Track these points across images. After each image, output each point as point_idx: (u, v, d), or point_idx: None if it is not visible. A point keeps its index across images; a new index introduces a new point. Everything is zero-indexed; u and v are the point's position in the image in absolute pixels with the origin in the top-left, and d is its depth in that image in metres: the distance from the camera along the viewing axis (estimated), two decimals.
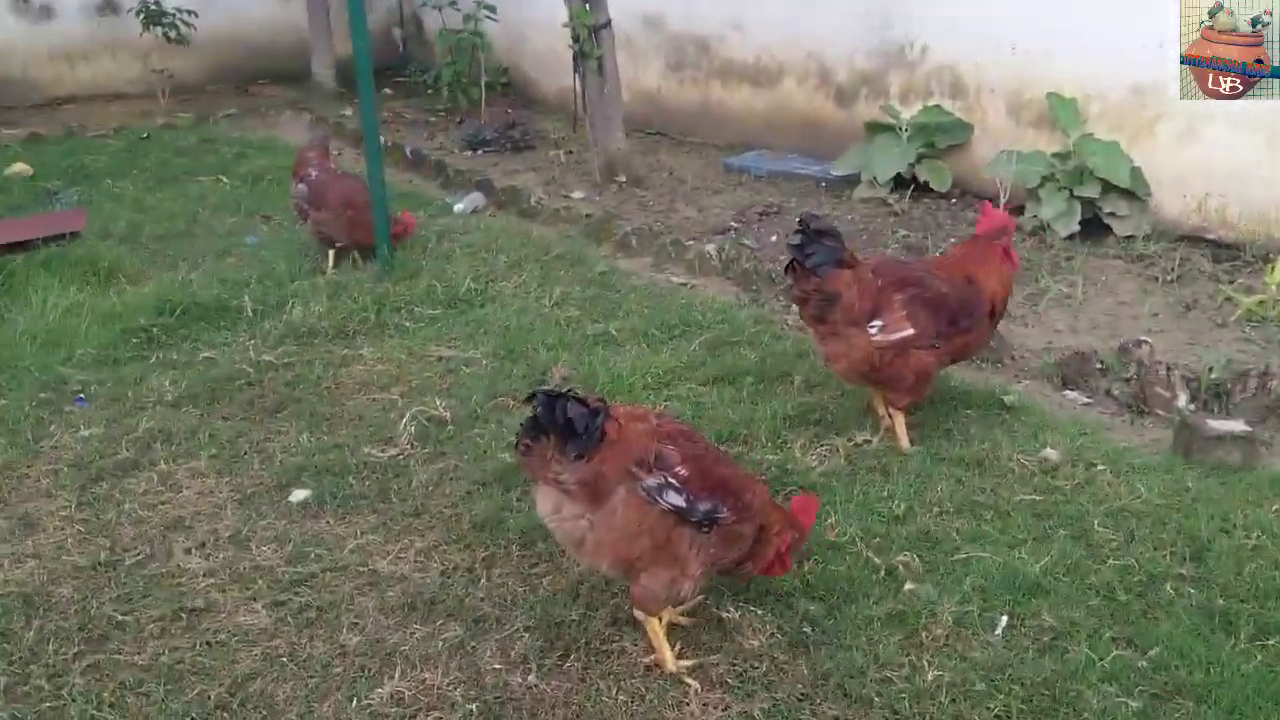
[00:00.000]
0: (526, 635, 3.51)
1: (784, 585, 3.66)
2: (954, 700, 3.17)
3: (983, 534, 3.93)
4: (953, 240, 7.02)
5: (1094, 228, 7.15)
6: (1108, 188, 7.11)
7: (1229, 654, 3.29)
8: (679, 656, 3.39)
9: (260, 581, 3.81)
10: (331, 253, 6.79)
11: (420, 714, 3.21)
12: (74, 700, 3.25)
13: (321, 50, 12.53)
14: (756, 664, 3.36)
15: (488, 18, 11.28)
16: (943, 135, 8.18)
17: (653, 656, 3.38)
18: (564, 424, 3.12)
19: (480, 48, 11.26)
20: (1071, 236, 7.08)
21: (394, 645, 3.48)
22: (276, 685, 3.32)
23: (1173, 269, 6.47)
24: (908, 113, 8.34)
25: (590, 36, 8.30)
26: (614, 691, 3.28)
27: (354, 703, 3.25)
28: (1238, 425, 4.41)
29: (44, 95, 12.15)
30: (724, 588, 3.63)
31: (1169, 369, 4.84)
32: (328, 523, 4.17)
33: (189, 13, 11.55)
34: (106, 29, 12.32)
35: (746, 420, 4.72)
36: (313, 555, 3.96)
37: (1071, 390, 5.08)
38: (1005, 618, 3.50)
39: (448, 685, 3.31)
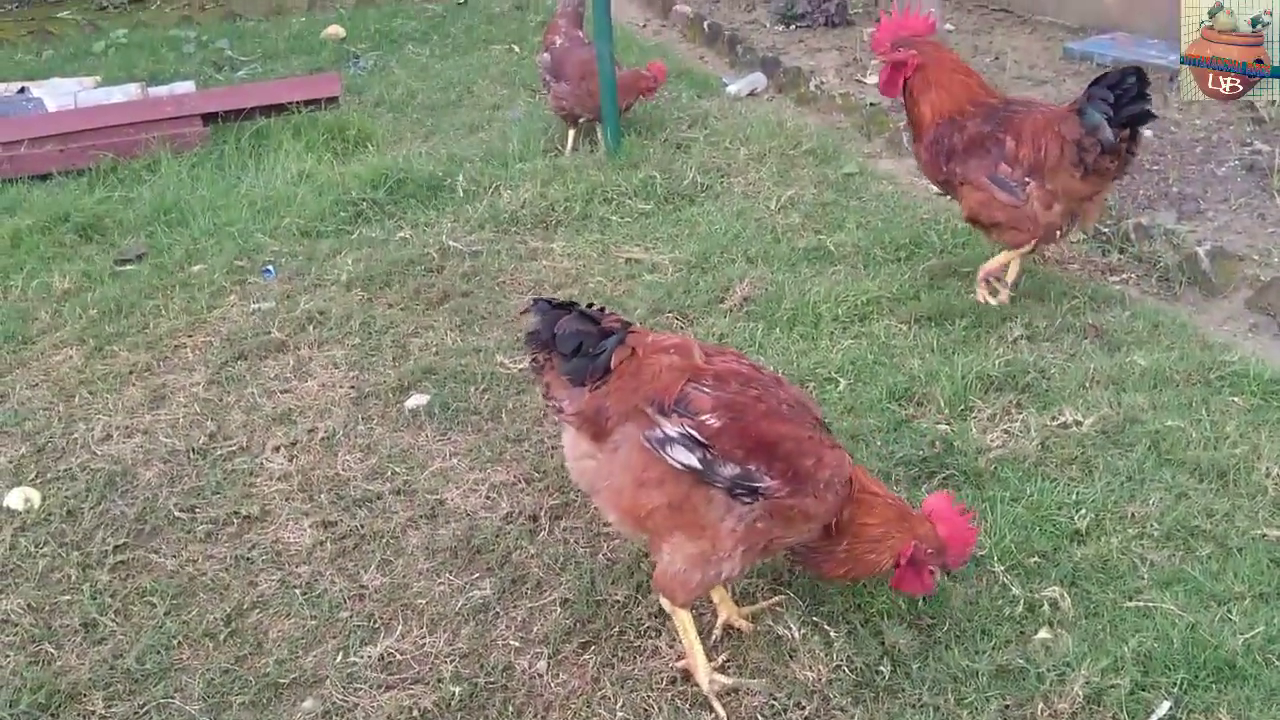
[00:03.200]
0: (559, 610, 3.00)
1: (876, 604, 2.88)
2: None
3: (1183, 576, 2.90)
4: None
5: None
6: None
7: None
8: (720, 669, 2.75)
9: (325, 495, 3.53)
10: (571, 133, 6.36)
11: (399, 686, 2.79)
12: (89, 598, 3.13)
13: None
14: (803, 703, 2.64)
15: None
16: None
17: (684, 661, 2.76)
18: (566, 342, 2.61)
19: None
20: None
21: (413, 595, 3.09)
22: (274, 621, 3.04)
23: None
24: None
25: None
26: (619, 702, 2.69)
27: (340, 657, 2.89)
28: None
29: None
30: (808, 593, 2.92)
31: None
32: (427, 436, 3.83)
33: None
34: None
35: (931, 375, 3.83)
36: (390, 472, 3.63)
37: None
38: (1167, 704, 2.54)
39: (446, 656, 2.88)
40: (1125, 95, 3.89)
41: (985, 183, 4.08)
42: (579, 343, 2.61)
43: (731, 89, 7.46)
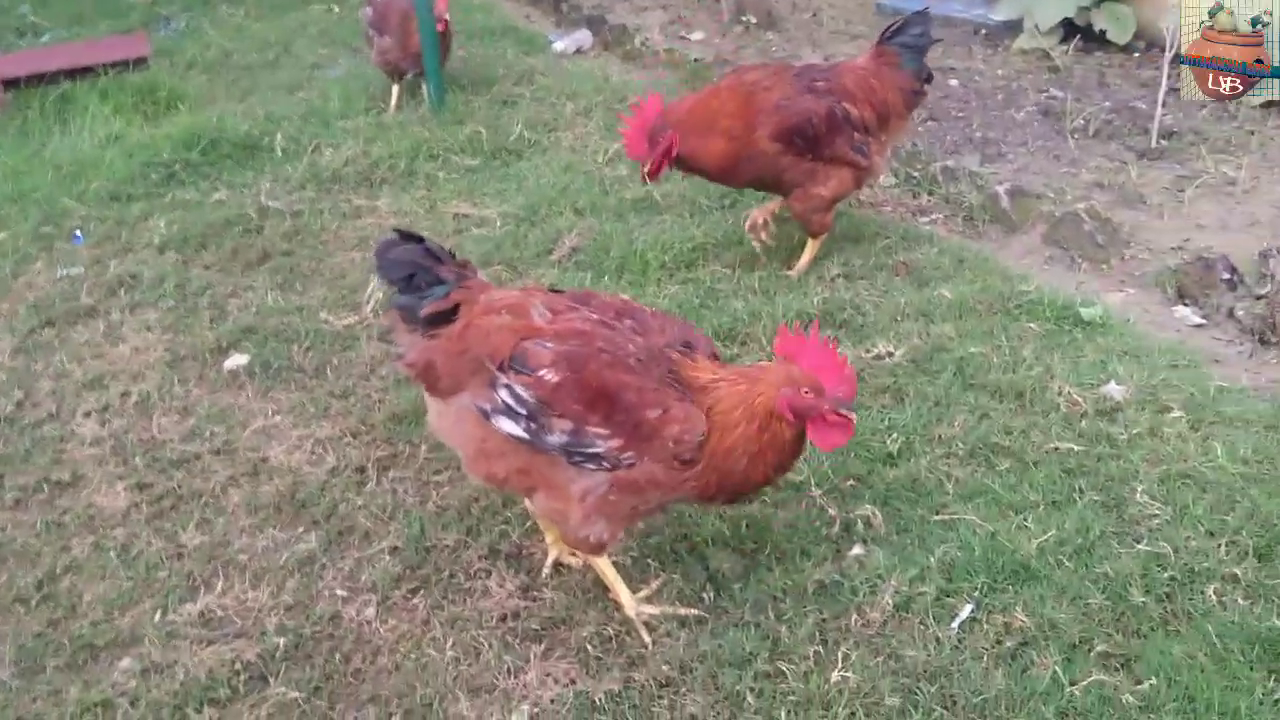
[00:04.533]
0: (387, 558, 2.98)
1: (702, 531, 2.96)
2: (851, 715, 2.43)
3: (984, 489, 3.07)
4: (1107, 104, 5.79)
5: None
6: None
7: (1252, 705, 2.38)
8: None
9: (140, 458, 3.42)
10: (395, 89, 6.23)
11: (219, 641, 2.73)
12: None
13: None
14: (629, 631, 2.70)
15: None
16: None
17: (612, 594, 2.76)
18: (394, 269, 2.61)
19: None
20: (1271, 105, 5.70)
21: (235, 552, 3.02)
22: (89, 584, 2.94)
23: None
24: None
25: None
26: (450, 642, 2.70)
27: (158, 616, 2.82)
28: None
29: None
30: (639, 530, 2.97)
31: None
32: (248, 395, 3.73)
33: None
34: None
35: (754, 314, 3.93)
36: (209, 433, 3.53)
37: (1186, 306, 4.01)
38: (969, 607, 2.69)
39: (269, 609, 2.83)
40: (925, 37, 4.08)
41: (852, 155, 4.06)
42: (410, 274, 2.58)
43: (558, 46, 7.43)
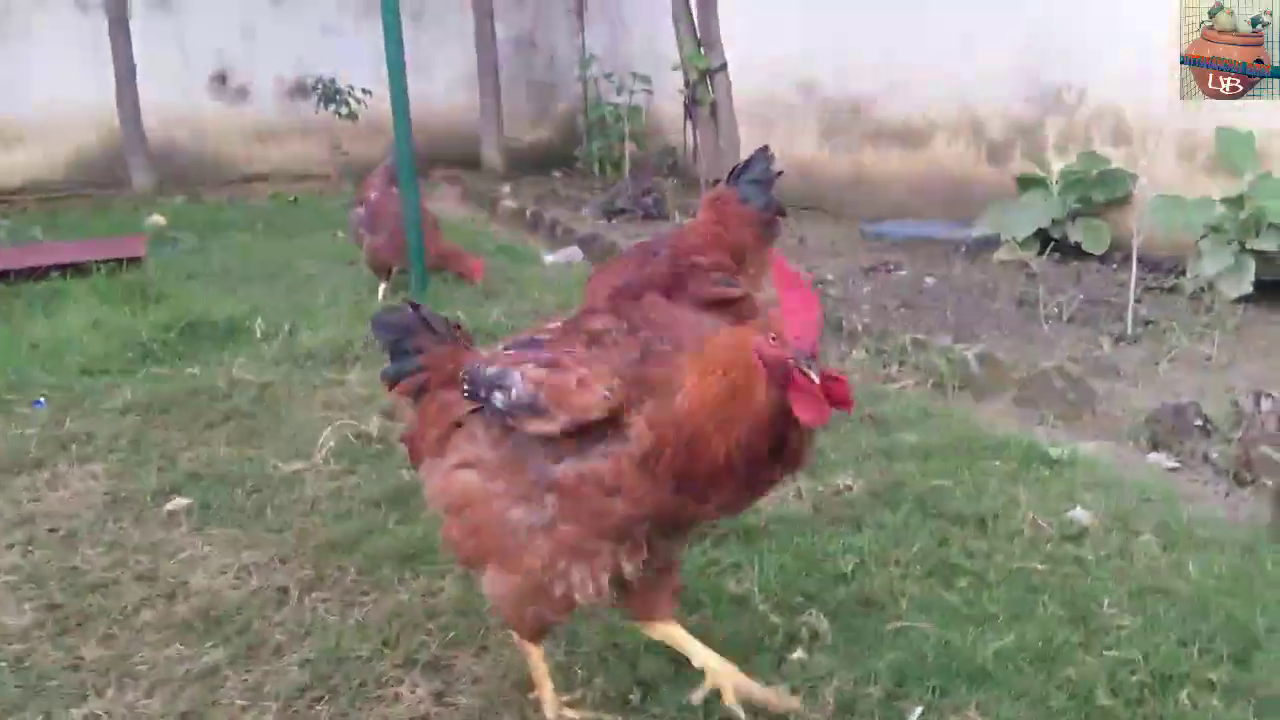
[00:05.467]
0: (296, 670, 2.76)
1: (634, 638, 2.75)
2: None
3: (940, 603, 2.87)
4: (1082, 297, 5.84)
5: (1275, 292, 5.80)
6: None
7: None
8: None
9: (55, 582, 3.24)
10: (383, 285, 6.39)
11: None
12: None
13: (489, 135, 12.50)
14: None
15: (643, 90, 11.01)
16: (1100, 188, 7.01)
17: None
18: (381, 332, 2.65)
19: (633, 121, 10.98)
20: (1244, 300, 5.75)
21: (136, 664, 2.81)
22: None
23: None
24: (1060, 163, 7.23)
25: (704, 80, 7.71)
26: None
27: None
28: None
29: (236, 173, 12.60)
30: (567, 637, 2.76)
31: None
32: (181, 532, 3.58)
33: (365, 91, 11.74)
34: (297, 111, 12.70)
35: None
36: (133, 561, 3.37)
37: (1160, 452, 3.88)
38: (919, 709, 2.44)
39: (160, 715, 2.59)
40: (766, 171, 3.81)
41: (716, 291, 3.85)
42: (395, 339, 2.55)
43: (549, 259, 7.66)
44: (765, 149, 3.93)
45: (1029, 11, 7.46)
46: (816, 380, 1.99)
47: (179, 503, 3.78)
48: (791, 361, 2.00)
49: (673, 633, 2.43)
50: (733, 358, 2.08)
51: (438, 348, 2.55)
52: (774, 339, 2.03)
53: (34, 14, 11.36)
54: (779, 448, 2.10)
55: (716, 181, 3.93)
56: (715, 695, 2.41)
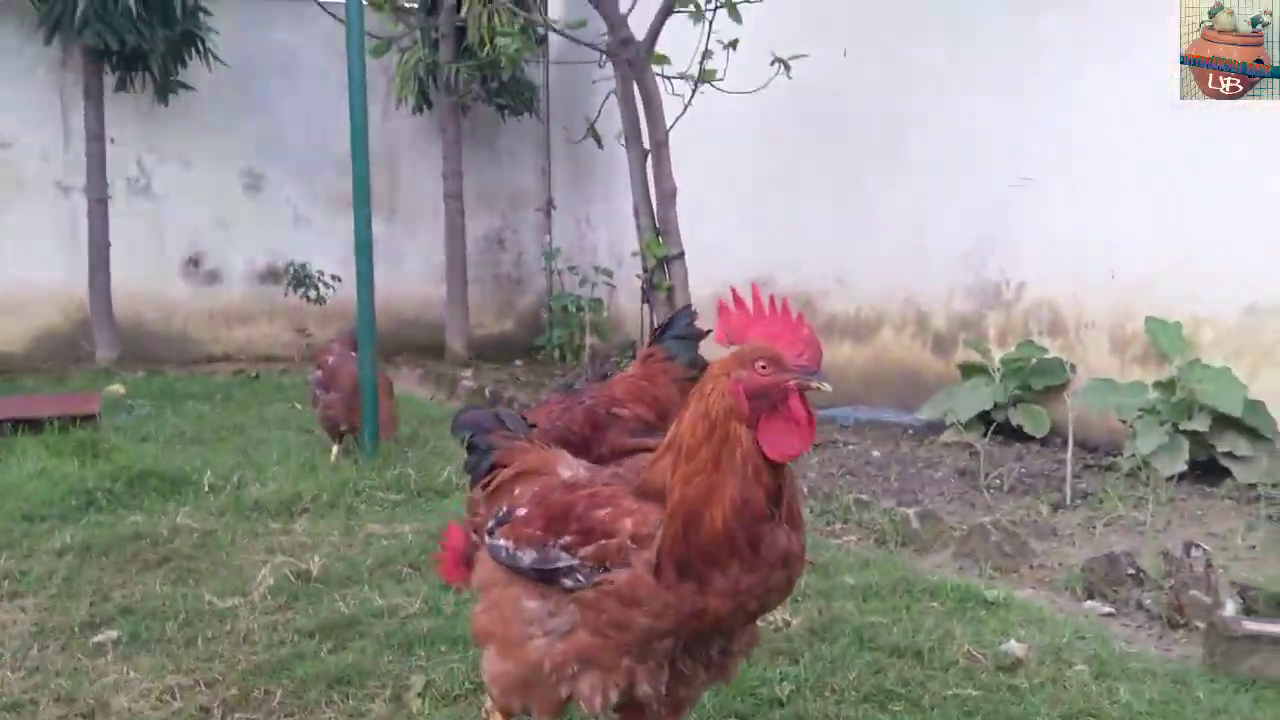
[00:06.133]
0: None
1: None
2: None
3: None
4: (1022, 469, 5.96)
5: (1210, 471, 5.94)
6: (1223, 422, 5.96)
7: None
8: None
9: None
10: (335, 448, 6.42)
11: None
12: None
13: (455, 325, 12.74)
14: None
15: (605, 283, 11.39)
16: (1039, 376, 7.24)
17: None
18: (460, 429, 2.67)
19: (594, 311, 11.29)
20: (1178, 478, 5.88)
21: None
22: None
23: None
24: (1001, 352, 7.49)
25: (661, 267, 8.01)
26: None
27: None
28: None
29: (202, 353, 12.73)
30: None
31: (1213, 570, 3.65)
32: (107, 660, 3.50)
33: (334, 277, 12.06)
34: (266, 295, 12.97)
35: None
36: (54, 685, 3.27)
37: (1094, 600, 3.91)
38: None
39: None
40: (691, 328, 3.85)
41: (635, 442, 3.87)
42: (470, 435, 2.57)
43: None
44: (688, 307, 4.05)
45: (971, 215, 7.88)
46: (830, 389, 1.98)
47: (107, 634, 3.70)
48: (791, 381, 1.97)
49: None
50: (726, 407, 2.01)
51: (510, 444, 2.56)
52: (764, 367, 1.98)
53: (14, 195, 11.68)
54: (775, 501, 2.02)
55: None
56: None
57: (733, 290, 2.09)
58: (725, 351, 2.09)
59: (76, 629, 3.74)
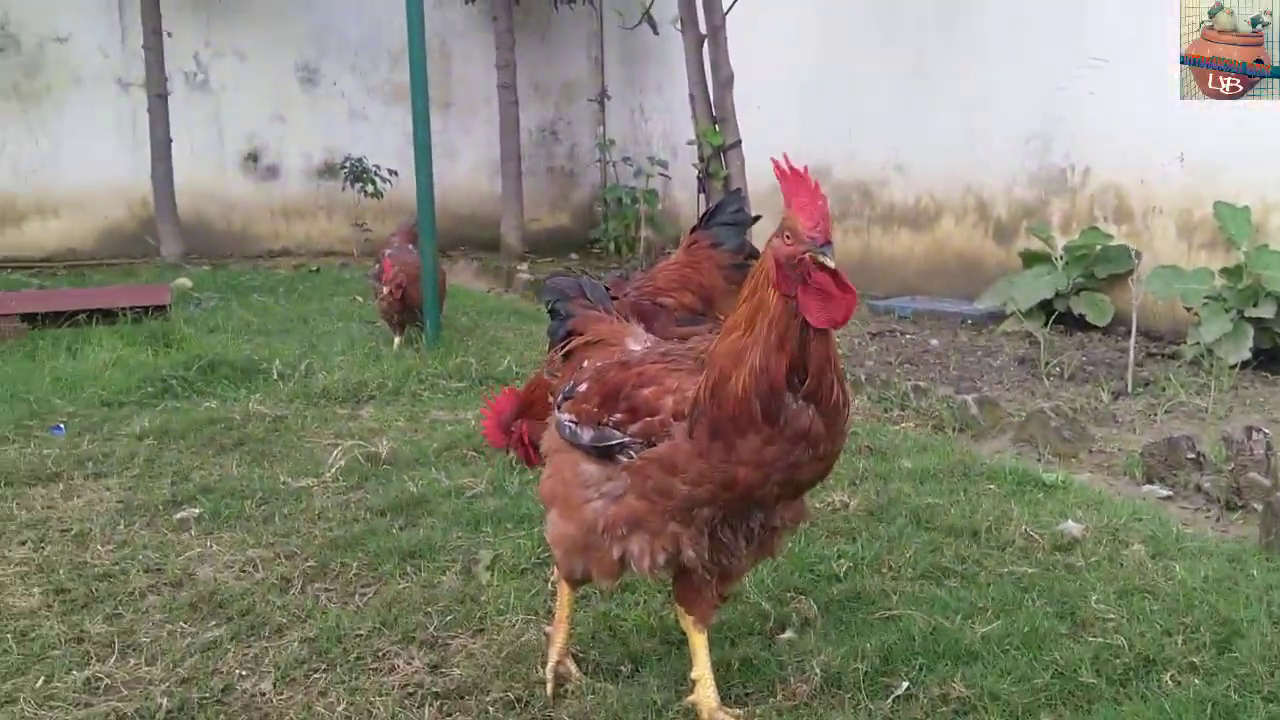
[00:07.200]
0: (297, 645, 2.81)
1: (628, 619, 2.80)
2: None
3: (930, 597, 2.91)
4: (1083, 357, 5.93)
5: (1274, 359, 5.89)
6: None
7: None
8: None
9: (64, 572, 3.31)
10: (397, 340, 6.54)
11: (98, 699, 2.55)
12: None
13: (509, 219, 12.73)
14: (535, 695, 2.50)
15: (660, 174, 11.30)
16: (1103, 263, 7.15)
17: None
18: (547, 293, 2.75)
19: (649, 203, 11.24)
20: (1242, 365, 5.82)
21: (139, 638, 2.87)
22: None
23: None
24: (1064, 239, 7.38)
25: (718, 156, 7.94)
26: (341, 705, 2.50)
27: (40, 682, 2.64)
28: None
29: (262, 248, 12.88)
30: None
31: (1273, 453, 3.64)
32: (190, 535, 3.66)
33: (390, 171, 12.09)
34: (324, 190, 13.04)
35: None
36: (142, 557, 3.44)
37: (1153, 484, 3.93)
38: (905, 684, 2.48)
39: (160, 680, 2.65)
40: (741, 214, 3.76)
41: (680, 330, 3.79)
42: (553, 301, 2.64)
43: None
44: (736, 191, 3.98)
45: (1036, 99, 7.68)
46: (833, 266, 1.99)
47: (189, 511, 3.86)
48: (807, 255, 2.00)
49: (697, 638, 2.41)
50: (765, 273, 2.06)
51: (586, 313, 2.62)
52: (788, 237, 2.03)
53: (72, 91, 11.77)
54: (800, 375, 2.05)
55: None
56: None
57: (784, 156, 2.09)
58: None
59: (160, 506, 3.90)
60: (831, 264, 2.00)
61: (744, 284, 2.18)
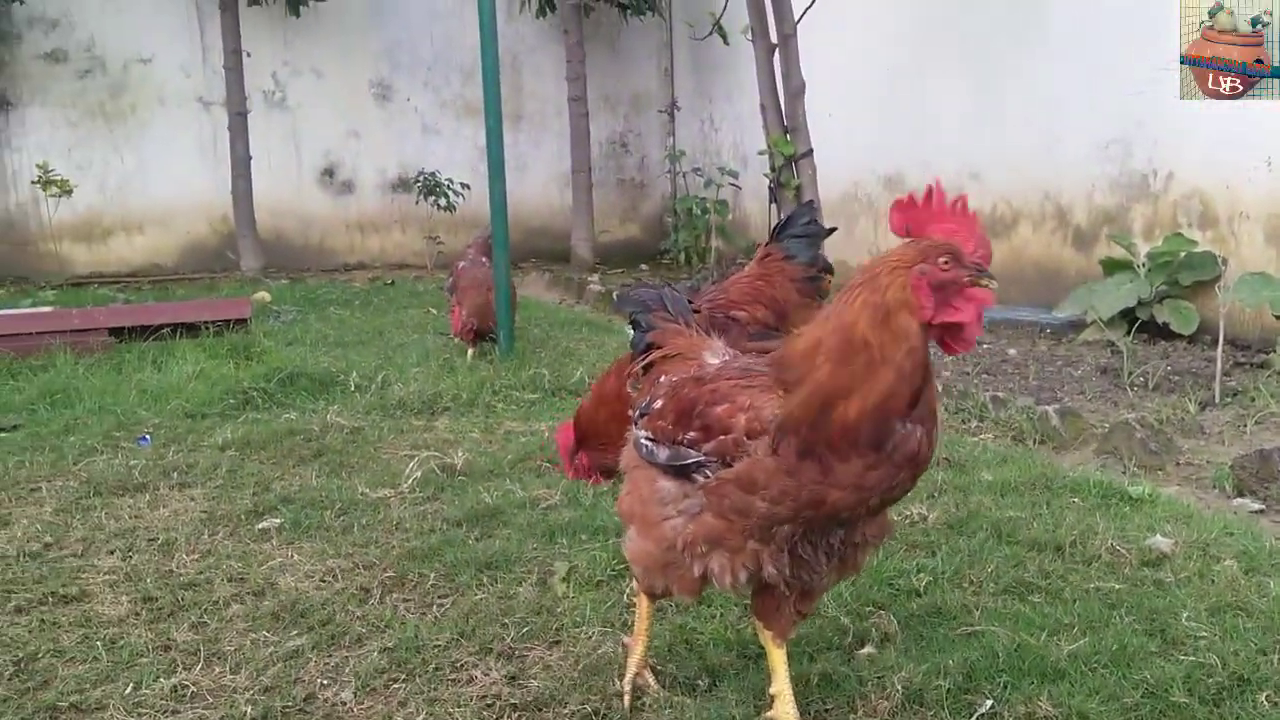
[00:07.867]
0: (376, 655, 2.84)
1: (705, 631, 2.79)
2: None
3: (1013, 613, 2.85)
4: (1168, 366, 5.78)
5: None
6: None
7: None
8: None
9: (151, 580, 3.39)
10: (470, 351, 6.60)
11: (185, 706, 2.59)
12: None
13: (580, 231, 12.78)
14: (614, 705, 2.49)
15: (730, 184, 11.28)
16: (1187, 271, 6.96)
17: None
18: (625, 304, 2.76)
19: (719, 213, 11.23)
20: None
21: (223, 646, 2.92)
22: (68, 665, 2.84)
23: None
24: (1147, 246, 7.21)
25: (790, 165, 7.90)
26: (420, 716, 2.52)
27: (129, 689, 2.69)
28: None
29: (338, 262, 13.10)
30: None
31: None
32: (272, 544, 3.72)
33: (463, 185, 12.23)
34: (398, 204, 13.24)
35: None
36: (226, 566, 3.50)
37: (1244, 498, 3.81)
38: (989, 702, 2.43)
39: (245, 689, 2.69)
40: (813, 225, 3.73)
41: (753, 345, 3.72)
42: (633, 313, 2.64)
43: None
44: (809, 203, 3.92)
45: (1114, 102, 7.53)
46: (994, 289, 1.98)
47: (271, 522, 3.93)
48: (966, 278, 1.97)
49: (775, 653, 2.39)
50: (901, 299, 1.99)
51: (665, 325, 2.60)
52: (946, 263, 1.98)
53: (155, 111, 12.09)
54: (915, 399, 2.01)
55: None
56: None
57: (937, 181, 2.10)
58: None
59: (242, 516, 3.98)
60: (996, 285, 1.99)
61: (821, 299, 2.15)
